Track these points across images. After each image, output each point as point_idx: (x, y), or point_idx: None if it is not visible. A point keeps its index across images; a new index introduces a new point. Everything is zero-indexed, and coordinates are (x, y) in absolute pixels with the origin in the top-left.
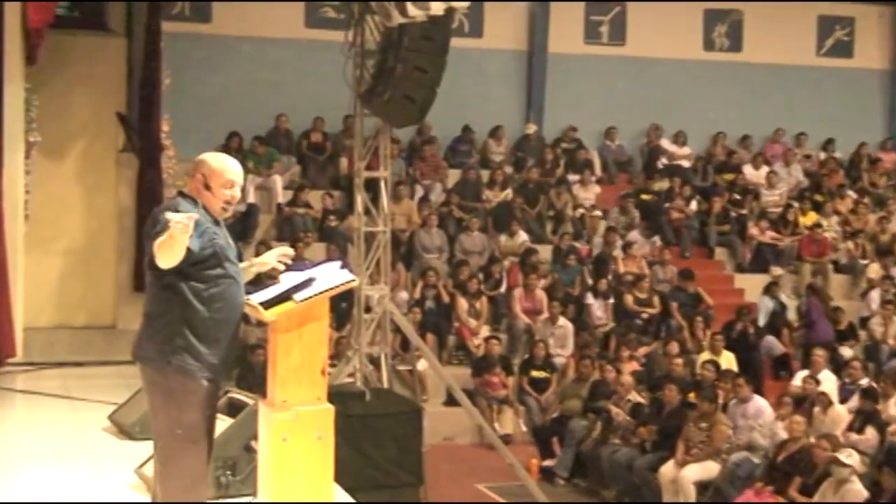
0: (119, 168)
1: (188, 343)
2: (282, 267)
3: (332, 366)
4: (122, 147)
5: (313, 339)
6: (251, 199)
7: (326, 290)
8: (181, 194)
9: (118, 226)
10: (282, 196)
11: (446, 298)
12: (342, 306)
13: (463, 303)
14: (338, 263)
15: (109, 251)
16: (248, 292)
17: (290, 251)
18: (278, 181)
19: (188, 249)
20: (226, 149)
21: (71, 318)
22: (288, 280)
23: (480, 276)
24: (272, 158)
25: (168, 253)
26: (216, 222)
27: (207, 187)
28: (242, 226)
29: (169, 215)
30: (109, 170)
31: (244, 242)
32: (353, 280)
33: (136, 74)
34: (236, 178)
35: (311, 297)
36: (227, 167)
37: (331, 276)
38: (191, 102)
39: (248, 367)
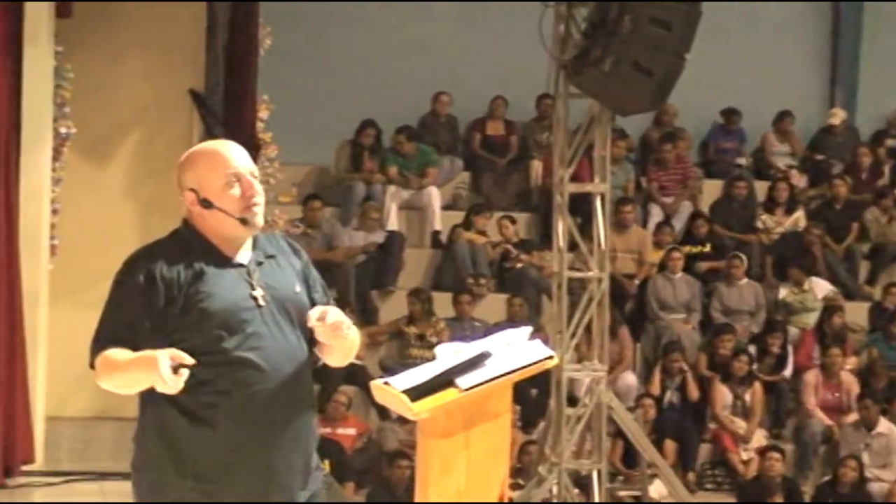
0: None
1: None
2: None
3: (517, 487)
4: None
5: (487, 448)
6: (393, 224)
7: (509, 373)
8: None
9: None
10: (440, 220)
11: (697, 385)
12: (532, 395)
13: (724, 392)
14: (526, 329)
15: None
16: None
17: (341, 320)
18: (435, 196)
19: None
20: (356, 146)
21: (116, 404)
22: (448, 355)
23: (752, 350)
24: (426, 161)
25: (116, 383)
26: (261, 250)
27: (207, 204)
28: (379, 266)
29: (163, 360)
30: None
31: (381, 291)
32: (551, 356)
33: (219, 34)
34: (239, 162)
35: (484, 384)
36: (217, 155)
37: (515, 349)
38: (302, 76)
39: (383, 486)
